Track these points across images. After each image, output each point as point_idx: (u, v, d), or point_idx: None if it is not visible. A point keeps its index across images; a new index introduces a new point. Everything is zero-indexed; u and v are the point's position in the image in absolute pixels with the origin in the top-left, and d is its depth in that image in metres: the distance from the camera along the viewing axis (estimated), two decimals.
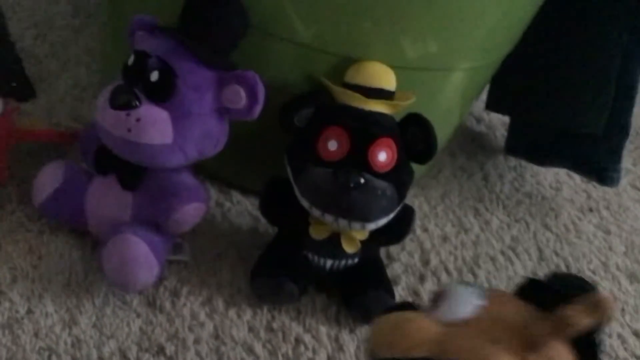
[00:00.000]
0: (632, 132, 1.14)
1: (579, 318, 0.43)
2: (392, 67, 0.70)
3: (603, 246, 0.91)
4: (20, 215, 0.73)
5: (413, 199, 0.90)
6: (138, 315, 0.67)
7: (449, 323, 0.48)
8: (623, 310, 0.82)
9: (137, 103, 0.63)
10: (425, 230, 0.87)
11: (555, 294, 0.46)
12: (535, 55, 0.89)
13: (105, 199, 0.69)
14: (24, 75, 0.90)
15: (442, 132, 0.77)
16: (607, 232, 0.94)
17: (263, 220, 0.80)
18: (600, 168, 0.89)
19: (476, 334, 0.46)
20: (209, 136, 0.66)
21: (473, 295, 0.48)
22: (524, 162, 1.02)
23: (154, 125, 0.63)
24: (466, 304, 0.48)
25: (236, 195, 0.84)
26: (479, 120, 1.11)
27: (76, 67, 0.95)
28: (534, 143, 0.96)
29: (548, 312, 0.46)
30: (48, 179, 0.70)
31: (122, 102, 0.63)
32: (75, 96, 0.90)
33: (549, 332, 0.44)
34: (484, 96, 1.02)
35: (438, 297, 0.50)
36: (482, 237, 0.88)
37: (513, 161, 1.03)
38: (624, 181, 1.04)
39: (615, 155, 0.88)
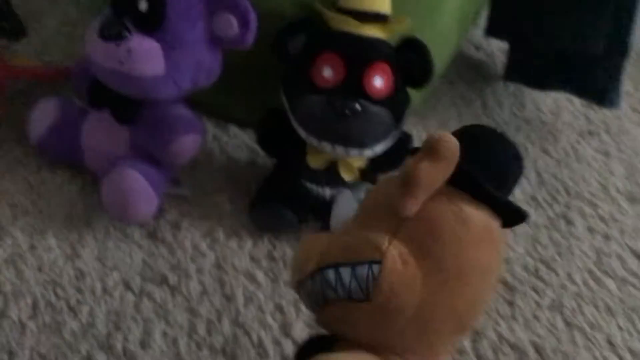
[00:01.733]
0: (633, 55, 1.13)
1: (420, 169, 0.41)
2: None
3: (603, 169, 0.91)
4: (18, 154, 0.73)
5: (412, 127, 0.89)
6: (140, 247, 0.68)
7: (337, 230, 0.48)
8: (622, 231, 0.82)
9: (127, 34, 0.62)
10: None
11: None
12: None
13: (101, 133, 0.69)
14: (14, 15, 0.88)
15: (440, 57, 0.76)
16: (607, 155, 0.94)
17: (261, 153, 0.80)
18: (600, 89, 0.89)
19: (353, 228, 0.46)
20: (202, 66, 0.65)
21: (354, 196, 0.47)
22: (523, 88, 1.00)
23: (146, 56, 0.62)
24: (346, 207, 0.47)
25: (233, 129, 0.84)
26: (477, 47, 1.09)
27: (66, 4, 0.94)
28: (534, 67, 0.95)
29: None
30: (42, 115, 0.70)
31: (111, 33, 0.62)
32: (66, 33, 0.89)
33: (401, 193, 0.43)
34: (483, 23, 1.00)
35: None
36: None
37: (512, 87, 1.02)
38: (625, 104, 1.03)
39: (615, 76, 0.87)
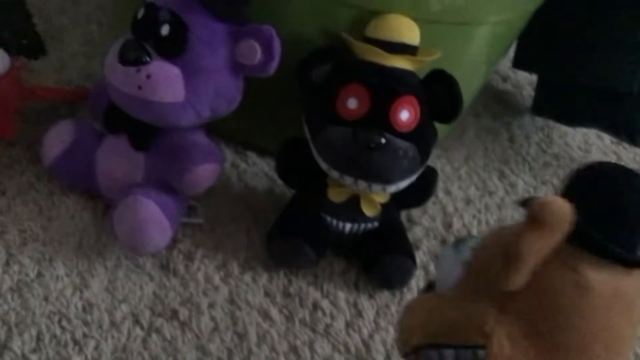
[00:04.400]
0: None
1: (522, 242, 0.36)
2: (416, 20, 0.66)
3: None
4: (30, 176, 0.71)
5: (435, 160, 0.87)
6: (151, 279, 0.65)
7: (442, 293, 0.44)
8: None
9: (148, 59, 0.60)
10: (448, 193, 0.84)
11: None
12: (565, 10, 0.84)
13: (116, 159, 0.66)
14: (34, 33, 0.87)
15: (467, 90, 0.73)
16: None
17: (280, 182, 0.77)
18: (633, 129, 0.85)
19: (459, 295, 0.42)
20: (223, 94, 0.63)
21: (458, 256, 0.44)
22: (551, 123, 0.98)
23: (165, 82, 0.60)
24: (451, 269, 0.43)
25: (252, 157, 0.81)
26: (505, 79, 1.06)
27: (87, 23, 0.93)
28: (563, 102, 0.92)
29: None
30: (57, 138, 0.68)
31: (131, 57, 0.60)
32: (86, 53, 0.87)
33: (503, 267, 0.38)
34: (510, 54, 0.97)
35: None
36: (507, 200, 0.85)
37: (540, 121, 0.99)
38: None
39: None
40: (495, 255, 0.40)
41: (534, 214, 0.36)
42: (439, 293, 0.45)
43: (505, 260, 0.38)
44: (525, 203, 0.40)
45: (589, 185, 0.40)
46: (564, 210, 0.37)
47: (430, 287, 0.47)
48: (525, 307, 0.39)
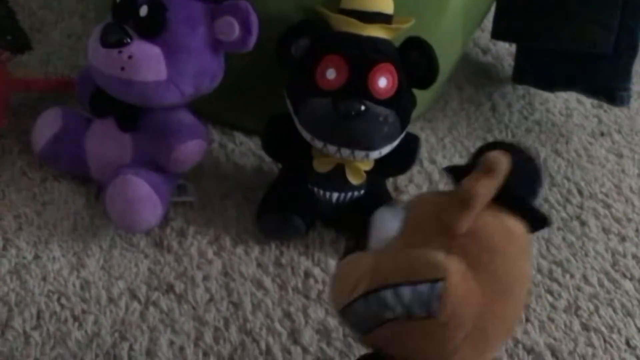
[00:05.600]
0: None
1: (476, 188, 0.42)
2: None
3: (616, 169, 0.90)
4: (22, 165, 0.73)
5: (420, 131, 0.88)
6: (146, 256, 0.67)
7: (380, 249, 0.47)
8: (638, 230, 0.81)
9: (128, 40, 0.61)
10: (433, 162, 0.85)
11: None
12: None
13: (105, 142, 0.68)
14: (18, 28, 0.89)
15: (445, 59, 0.75)
16: (620, 155, 0.92)
17: (267, 160, 0.79)
18: (610, 88, 0.87)
19: (401, 246, 0.46)
20: (204, 71, 0.64)
21: (394, 214, 0.47)
22: (532, 90, 0.99)
23: (147, 62, 0.62)
24: (387, 225, 0.47)
25: (239, 136, 0.83)
26: (485, 51, 1.08)
27: (70, 17, 0.94)
28: (542, 68, 0.94)
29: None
30: (46, 125, 0.69)
31: (113, 40, 0.61)
32: (71, 46, 0.89)
33: (457, 211, 0.43)
34: (489, 27, 0.99)
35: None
36: None
37: (521, 90, 1.00)
38: (636, 104, 1.01)
39: (624, 74, 0.86)
40: (434, 207, 0.45)
41: (490, 164, 0.43)
42: (376, 248, 0.47)
43: (463, 203, 0.43)
44: (451, 170, 0.48)
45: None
46: (507, 163, 0.44)
47: (348, 251, 0.50)
48: (468, 248, 0.44)
